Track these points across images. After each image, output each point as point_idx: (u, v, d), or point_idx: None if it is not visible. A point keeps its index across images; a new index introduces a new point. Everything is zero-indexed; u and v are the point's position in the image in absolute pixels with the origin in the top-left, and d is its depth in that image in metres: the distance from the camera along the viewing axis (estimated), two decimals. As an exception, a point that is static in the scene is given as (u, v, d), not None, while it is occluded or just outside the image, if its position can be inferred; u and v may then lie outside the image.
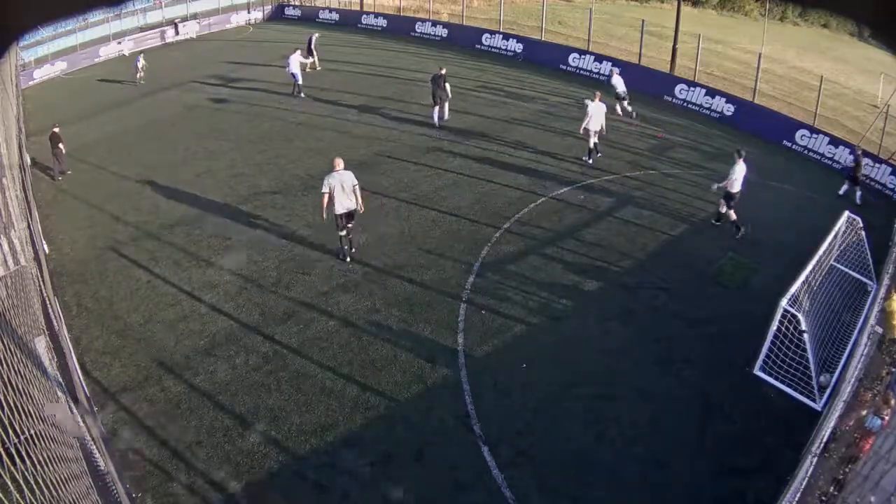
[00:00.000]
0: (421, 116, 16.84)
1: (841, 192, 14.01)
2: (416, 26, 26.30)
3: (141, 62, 21.86)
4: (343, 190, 9.60)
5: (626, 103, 16.89)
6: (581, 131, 13.71)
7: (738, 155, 11.21)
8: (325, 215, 9.74)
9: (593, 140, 13.76)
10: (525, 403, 7.42)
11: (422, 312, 9.02)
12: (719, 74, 21.33)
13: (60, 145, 14.04)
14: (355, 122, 16.60)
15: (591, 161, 14.03)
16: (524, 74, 21.03)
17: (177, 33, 28.72)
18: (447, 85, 15.78)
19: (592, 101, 13.44)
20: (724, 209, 11.37)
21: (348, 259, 10.21)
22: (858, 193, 13.81)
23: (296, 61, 17.98)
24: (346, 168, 9.77)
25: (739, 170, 11.08)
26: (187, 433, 7.03)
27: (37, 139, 16.14)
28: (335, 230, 10.06)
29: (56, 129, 14.10)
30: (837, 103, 20.76)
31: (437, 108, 15.93)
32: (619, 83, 16.79)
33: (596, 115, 13.42)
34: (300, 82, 18.21)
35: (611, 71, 18.69)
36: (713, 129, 17.03)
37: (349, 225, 9.96)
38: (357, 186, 9.71)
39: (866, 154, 14.89)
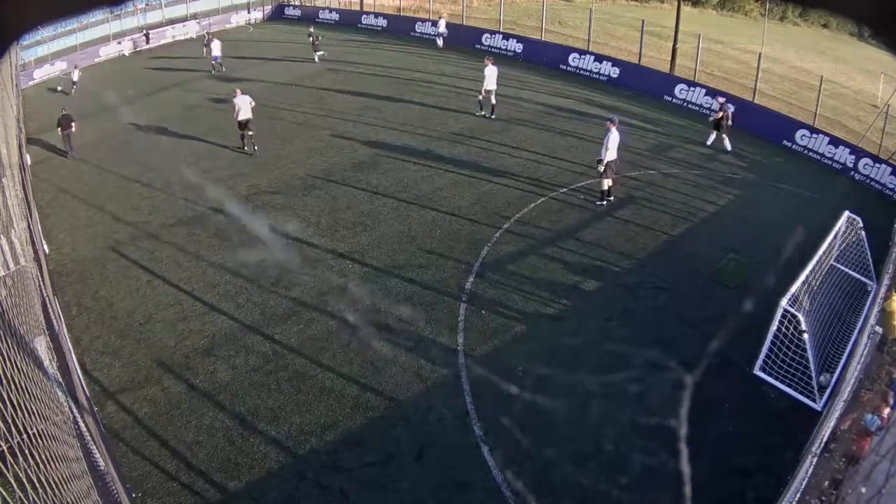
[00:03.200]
0: (420, 116, 16.86)
1: (708, 142, 15.42)
2: (416, 26, 26.30)
3: (76, 75, 21.75)
4: (244, 106, 14.32)
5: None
6: (483, 93, 16.30)
7: (611, 122, 11.75)
8: (241, 122, 14.43)
9: (482, 97, 16.39)
10: (525, 403, 7.42)
11: (422, 312, 9.01)
12: (719, 74, 21.33)
13: (73, 125, 15.09)
14: (355, 121, 16.60)
15: (482, 113, 16.61)
16: (524, 74, 21.03)
17: (147, 42, 27.35)
18: (320, 37, 23.17)
19: (486, 66, 16.00)
20: (601, 178, 12.03)
21: (248, 150, 14.71)
22: (726, 141, 15.18)
23: (217, 46, 22.13)
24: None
25: (613, 138, 11.58)
26: (187, 433, 7.03)
27: (39, 133, 16.19)
28: (238, 130, 14.68)
29: (65, 112, 15.17)
30: (837, 103, 20.77)
31: (317, 53, 22.76)
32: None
33: (489, 77, 15.99)
34: (220, 62, 22.14)
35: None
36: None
37: (248, 131, 14.59)
38: (252, 103, 14.45)
39: (865, 153, 14.91)
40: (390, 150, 14.65)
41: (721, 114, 15.20)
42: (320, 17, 30.64)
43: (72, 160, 15.13)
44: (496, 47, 23.79)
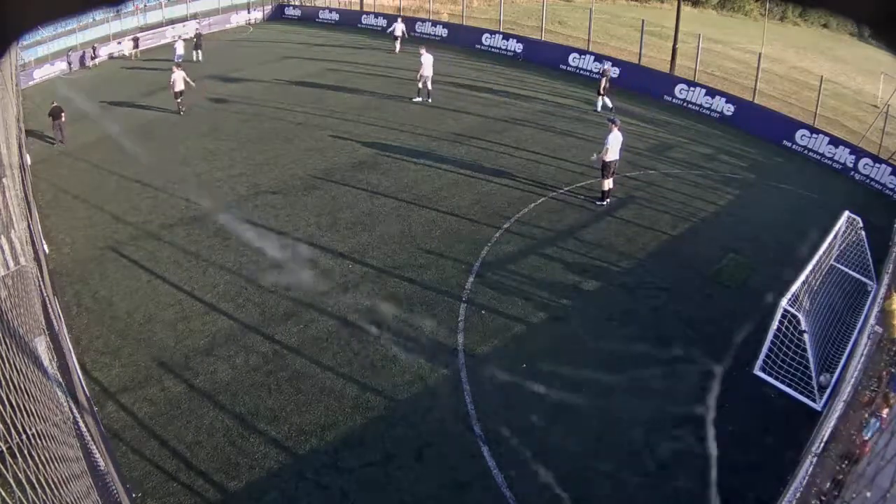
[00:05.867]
0: (420, 116, 16.87)
1: (609, 107, 17.20)
2: (417, 26, 26.30)
3: (182, 47, 23.06)
4: (178, 80, 17.39)
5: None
6: (418, 77, 17.67)
7: (612, 123, 11.74)
8: (176, 92, 17.47)
9: (423, 83, 17.63)
10: (525, 403, 7.42)
11: (422, 312, 9.01)
12: (719, 74, 21.33)
13: (63, 115, 16.10)
14: (355, 121, 16.60)
15: (420, 100, 17.78)
16: (524, 74, 21.04)
17: (94, 56, 25.53)
18: (202, 34, 25.46)
19: (422, 53, 17.43)
20: (602, 179, 12.05)
21: (182, 112, 17.70)
22: (603, 101, 17.20)
23: (181, 46, 23.48)
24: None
25: (613, 138, 11.57)
26: (187, 433, 7.03)
27: (37, 120, 16.28)
28: (174, 99, 17.67)
29: (55, 104, 16.14)
30: (837, 103, 20.78)
31: (200, 51, 24.17)
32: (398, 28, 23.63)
33: (426, 63, 17.38)
34: (182, 60, 22.10)
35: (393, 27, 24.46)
36: (713, 129, 17.04)
37: (182, 97, 17.61)
38: (186, 78, 17.64)
39: (865, 153, 14.92)
40: (390, 150, 14.65)
41: (604, 79, 17.12)
42: (320, 17, 30.65)
43: (62, 149, 15.87)
44: (496, 47, 23.80)
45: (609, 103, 17.26)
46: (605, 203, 12.03)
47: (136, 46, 26.70)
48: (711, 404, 7.49)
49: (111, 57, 26.55)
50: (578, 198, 12.43)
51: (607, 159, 11.65)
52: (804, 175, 14.63)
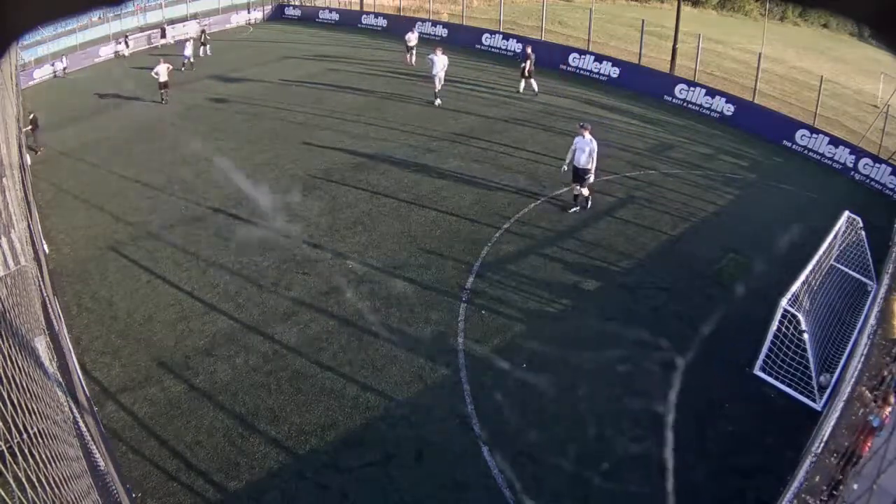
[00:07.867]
0: (420, 116, 16.86)
1: (521, 89, 18.45)
2: (416, 26, 26.26)
3: (190, 49, 23.15)
4: (163, 72, 18.35)
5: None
6: (432, 73, 17.61)
7: (583, 128, 11.44)
8: (161, 83, 18.48)
9: (439, 85, 17.66)
10: (525, 403, 7.43)
11: (422, 312, 9.02)
12: (719, 74, 21.34)
13: (37, 124, 16.24)
14: (355, 121, 16.60)
15: (438, 102, 17.60)
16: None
17: (126, 46, 26.97)
18: (206, 33, 25.90)
19: (435, 55, 17.41)
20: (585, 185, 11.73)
21: (164, 102, 18.70)
22: (534, 84, 18.07)
23: (189, 46, 23.63)
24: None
25: (587, 143, 11.32)
26: (187, 433, 7.03)
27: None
28: (159, 90, 18.62)
29: (34, 114, 16.12)
30: (837, 103, 20.78)
31: (206, 48, 24.98)
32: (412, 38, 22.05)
33: (437, 64, 17.48)
34: (192, 61, 23.11)
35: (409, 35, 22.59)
36: (713, 129, 17.04)
37: (166, 88, 18.66)
38: (171, 68, 18.99)
39: (865, 153, 14.93)
40: (391, 150, 14.64)
41: (527, 61, 17.94)
42: (320, 17, 30.64)
43: (42, 154, 15.69)
44: (496, 47, 23.79)
45: (535, 87, 18.18)
46: (578, 208, 11.86)
47: (163, 36, 27.73)
48: (711, 404, 7.50)
49: (150, 43, 27.76)
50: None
51: (591, 166, 11.38)
52: (804, 175, 14.63)
